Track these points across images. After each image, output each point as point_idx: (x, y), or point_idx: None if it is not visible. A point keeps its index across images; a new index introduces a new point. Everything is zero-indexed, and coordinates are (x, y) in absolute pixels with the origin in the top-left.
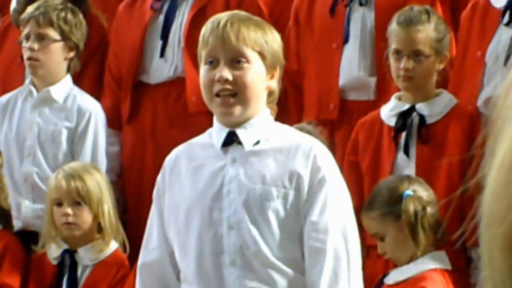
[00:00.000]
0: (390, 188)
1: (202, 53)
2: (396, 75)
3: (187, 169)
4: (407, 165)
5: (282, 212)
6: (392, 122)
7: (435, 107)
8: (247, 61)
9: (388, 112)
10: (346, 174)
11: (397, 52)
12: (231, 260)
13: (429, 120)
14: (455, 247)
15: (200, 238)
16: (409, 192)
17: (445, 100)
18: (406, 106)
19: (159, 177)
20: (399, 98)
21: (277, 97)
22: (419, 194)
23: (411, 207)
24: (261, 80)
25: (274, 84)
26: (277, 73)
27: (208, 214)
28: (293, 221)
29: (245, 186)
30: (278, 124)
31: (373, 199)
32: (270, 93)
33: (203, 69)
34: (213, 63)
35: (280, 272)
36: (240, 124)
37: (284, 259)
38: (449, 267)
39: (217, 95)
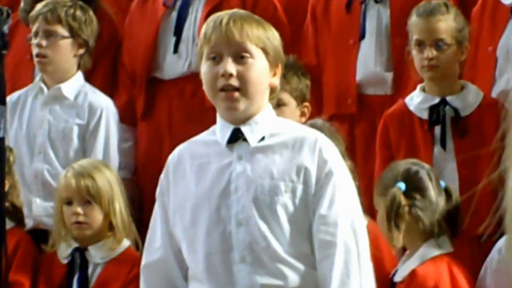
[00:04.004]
0: (404, 170)
1: (204, 50)
2: (420, 66)
3: (191, 167)
4: (446, 159)
5: (290, 207)
6: (423, 115)
7: (466, 100)
8: (251, 57)
9: (418, 104)
10: (380, 168)
11: (419, 43)
12: (241, 257)
13: (463, 113)
14: (481, 240)
15: (209, 235)
16: (401, 185)
17: (473, 93)
18: (437, 99)
19: (162, 176)
20: (423, 89)
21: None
22: (415, 194)
23: (394, 198)
24: (264, 76)
25: (277, 81)
26: (279, 70)
27: (216, 211)
28: (302, 215)
29: (253, 182)
30: (282, 119)
31: (385, 172)
32: (272, 90)
33: (205, 65)
34: (216, 58)
35: (291, 267)
36: (244, 120)
37: (294, 254)
38: (450, 250)
39: (221, 89)
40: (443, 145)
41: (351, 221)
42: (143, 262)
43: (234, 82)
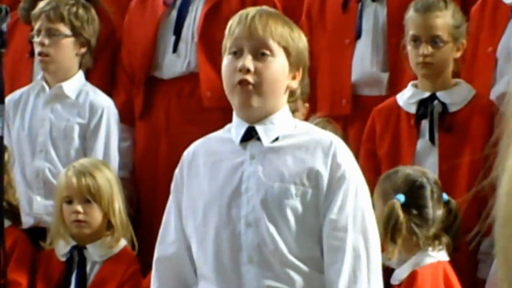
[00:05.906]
0: (409, 180)
1: (227, 43)
2: (415, 62)
3: (205, 164)
4: (429, 153)
5: (300, 210)
6: (411, 109)
7: (456, 96)
8: (272, 54)
9: (407, 99)
10: (362, 162)
11: (415, 39)
12: (249, 258)
13: (451, 109)
14: (470, 248)
15: (218, 235)
16: (401, 197)
17: (465, 90)
18: (427, 94)
19: (177, 171)
20: (416, 86)
21: (303, 96)
22: (413, 210)
23: (393, 210)
24: (282, 76)
25: (295, 85)
26: (299, 74)
27: (226, 211)
28: (312, 219)
29: (263, 184)
30: (298, 121)
31: (392, 173)
32: (292, 93)
33: (226, 59)
34: (237, 53)
35: (298, 271)
36: (259, 119)
37: (303, 257)
38: (445, 259)
39: (238, 83)
40: (432, 138)
41: (362, 226)
42: (156, 255)
43: (250, 78)
